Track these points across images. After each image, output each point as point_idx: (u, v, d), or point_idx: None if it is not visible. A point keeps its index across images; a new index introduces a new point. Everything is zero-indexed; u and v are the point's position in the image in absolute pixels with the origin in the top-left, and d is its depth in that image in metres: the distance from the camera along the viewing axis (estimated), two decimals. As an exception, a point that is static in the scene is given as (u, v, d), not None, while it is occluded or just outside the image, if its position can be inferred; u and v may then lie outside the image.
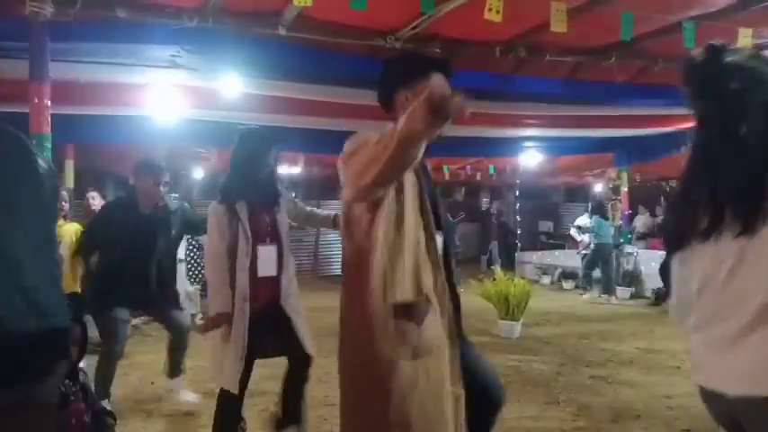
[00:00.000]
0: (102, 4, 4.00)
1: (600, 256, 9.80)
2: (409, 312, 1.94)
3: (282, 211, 3.26)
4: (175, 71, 4.82)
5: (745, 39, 4.43)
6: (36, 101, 3.81)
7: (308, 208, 3.66)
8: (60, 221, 5.06)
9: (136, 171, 4.09)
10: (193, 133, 6.78)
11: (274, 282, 3.14)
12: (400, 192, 1.99)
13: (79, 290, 5.14)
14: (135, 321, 6.66)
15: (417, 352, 1.94)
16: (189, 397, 4.27)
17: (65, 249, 4.98)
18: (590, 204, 10.63)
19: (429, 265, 2.02)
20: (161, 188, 4.08)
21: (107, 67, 4.72)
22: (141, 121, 6.27)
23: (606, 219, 10.00)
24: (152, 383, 4.90)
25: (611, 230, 10.15)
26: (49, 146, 3.89)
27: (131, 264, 3.91)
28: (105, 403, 3.88)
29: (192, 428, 3.92)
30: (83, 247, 4.31)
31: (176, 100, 5.53)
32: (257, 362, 6.04)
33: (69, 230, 5.15)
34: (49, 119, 3.87)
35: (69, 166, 7.87)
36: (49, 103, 3.87)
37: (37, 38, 3.82)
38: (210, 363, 3.32)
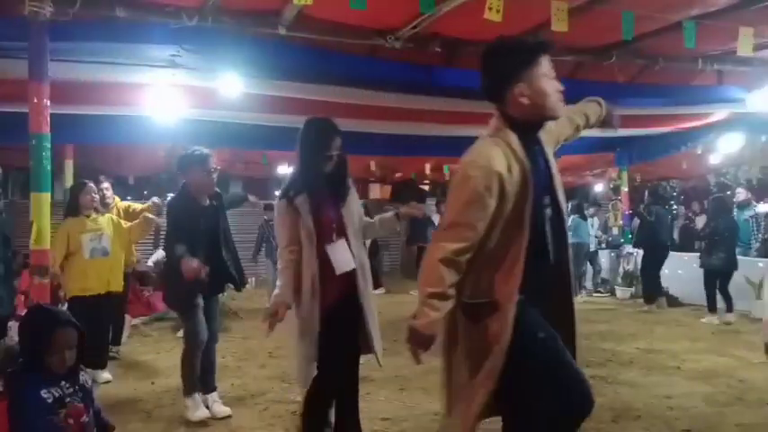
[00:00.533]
0: (101, 3, 4.00)
1: (576, 256, 9.95)
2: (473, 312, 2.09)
3: (351, 206, 3.11)
4: (175, 71, 4.82)
5: (745, 38, 4.43)
6: (35, 101, 3.80)
7: (368, 219, 3.46)
8: (94, 215, 4.88)
9: (184, 166, 3.99)
10: (193, 133, 6.76)
11: (348, 276, 3.02)
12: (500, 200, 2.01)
13: (121, 288, 5.09)
14: (135, 321, 6.66)
15: (470, 349, 2.11)
16: (221, 410, 4.06)
17: (107, 242, 4.84)
18: (569, 204, 10.78)
19: (512, 265, 2.03)
20: (213, 176, 4.00)
21: (107, 67, 4.71)
22: (141, 121, 6.26)
23: (585, 219, 10.20)
24: (152, 383, 4.89)
25: (617, 230, 10.23)
26: (49, 145, 3.88)
27: (202, 257, 3.84)
28: (193, 398, 3.91)
29: (193, 428, 3.91)
30: (172, 245, 4.03)
31: (176, 100, 5.53)
32: (257, 362, 6.03)
33: (107, 223, 4.95)
34: (49, 119, 3.86)
35: (69, 165, 7.89)
36: (49, 102, 3.86)
37: (36, 37, 3.81)
38: (291, 363, 3.24)
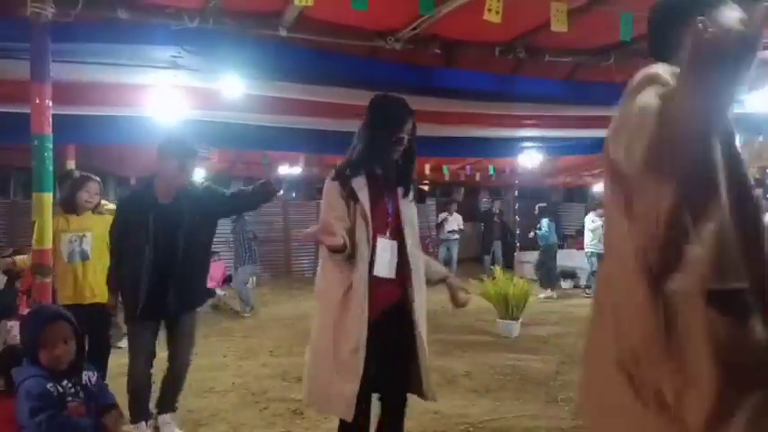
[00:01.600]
0: (103, 4, 4.01)
1: (547, 256, 10.57)
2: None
3: (411, 207, 2.72)
4: (176, 72, 4.84)
5: (743, 39, 4.44)
6: (37, 101, 3.82)
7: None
8: (86, 213, 4.32)
9: (160, 152, 3.56)
10: (194, 134, 6.78)
11: (395, 285, 2.59)
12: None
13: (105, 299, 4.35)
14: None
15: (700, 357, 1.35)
16: None
17: (88, 245, 4.27)
18: (537, 207, 11.37)
19: (756, 237, 1.43)
20: (187, 174, 3.58)
21: (108, 68, 4.73)
22: (142, 122, 6.28)
23: (553, 221, 10.86)
24: (153, 382, 4.90)
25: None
26: (51, 146, 3.90)
27: (152, 267, 3.41)
28: (138, 427, 3.53)
29: (193, 428, 3.94)
30: (111, 256, 3.73)
31: (177, 101, 5.55)
32: (258, 360, 6.04)
33: (96, 223, 4.32)
34: (51, 119, 3.88)
35: (71, 166, 7.89)
36: (51, 103, 3.88)
37: (38, 38, 3.83)
38: (309, 382, 2.63)
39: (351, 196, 2.55)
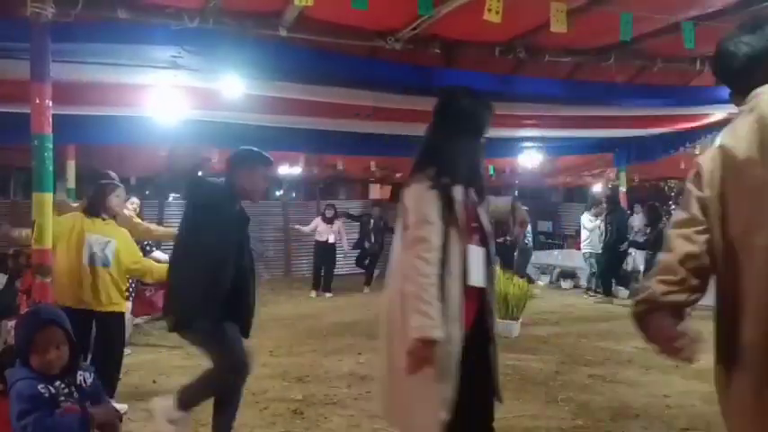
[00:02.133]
0: (103, 4, 4.02)
1: (525, 258, 10.96)
2: None
3: (485, 206, 2.55)
4: (176, 72, 4.84)
5: (743, 39, 4.44)
6: (37, 101, 3.82)
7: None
8: (110, 220, 4.25)
9: (242, 161, 3.37)
10: (195, 134, 6.80)
11: (480, 294, 2.42)
12: None
13: (120, 308, 4.30)
14: (137, 321, 6.68)
15: None
16: None
17: (111, 252, 4.14)
18: None
19: None
20: (266, 185, 3.49)
21: (108, 68, 4.74)
22: (142, 122, 6.29)
23: (530, 224, 11.10)
24: (153, 382, 4.91)
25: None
26: (51, 146, 3.90)
27: (228, 272, 3.23)
28: (182, 413, 3.34)
29: (193, 428, 3.93)
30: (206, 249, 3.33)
31: (177, 101, 5.55)
32: (257, 360, 6.04)
33: (118, 231, 4.27)
34: (51, 119, 3.88)
35: (71, 166, 7.91)
36: (51, 103, 3.88)
37: (38, 38, 3.83)
38: (388, 399, 2.46)
39: (447, 206, 2.34)
